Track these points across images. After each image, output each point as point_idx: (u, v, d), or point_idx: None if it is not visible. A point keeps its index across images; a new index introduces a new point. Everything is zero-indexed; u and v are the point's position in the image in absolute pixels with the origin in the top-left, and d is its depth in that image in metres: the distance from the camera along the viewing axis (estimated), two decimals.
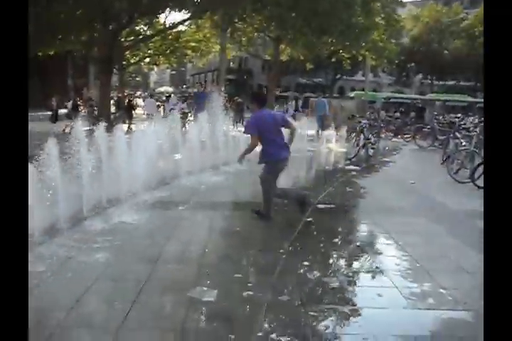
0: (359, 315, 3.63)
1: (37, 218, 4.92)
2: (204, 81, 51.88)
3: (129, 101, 24.49)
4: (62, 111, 25.04)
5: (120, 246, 4.97)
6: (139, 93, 56.90)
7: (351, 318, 3.58)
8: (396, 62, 39.84)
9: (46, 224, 5.19)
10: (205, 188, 8.15)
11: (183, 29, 31.83)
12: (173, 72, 71.05)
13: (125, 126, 18.00)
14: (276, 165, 6.04)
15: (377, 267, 4.66)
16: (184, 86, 66.37)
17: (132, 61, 34.13)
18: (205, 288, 3.93)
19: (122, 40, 27.99)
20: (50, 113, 25.43)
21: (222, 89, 24.71)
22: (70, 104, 21.69)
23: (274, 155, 5.99)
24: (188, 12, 23.41)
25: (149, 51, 33.62)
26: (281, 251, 4.96)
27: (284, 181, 6.67)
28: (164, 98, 33.25)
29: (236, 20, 27.92)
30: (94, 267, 4.33)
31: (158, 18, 29.91)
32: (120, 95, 28.09)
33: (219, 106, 11.97)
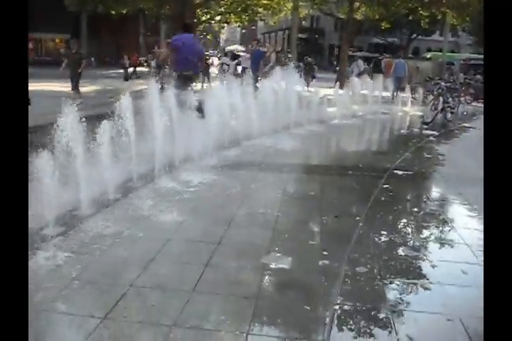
0: (443, 292, 3.37)
1: (110, 175, 4.94)
2: (275, 40, 50.92)
3: (206, 59, 24.40)
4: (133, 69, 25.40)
5: (192, 206, 4.90)
6: (212, 51, 56.83)
7: (434, 296, 3.33)
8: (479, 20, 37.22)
9: (119, 181, 5.21)
10: (277, 150, 7.94)
11: None
12: (244, 31, 70.13)
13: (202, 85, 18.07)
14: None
15: (461, 241, 4.34)
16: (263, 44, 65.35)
17: (203, 19, 33.79)
18: (278, 255, 3.79)
19: None
20: (122, 71, 25.82)
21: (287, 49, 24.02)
22: (154, 62, 21.59)
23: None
24: None
25: (220, 9, 33.09)
26: (358, 218, 4.73)
27: (358, 144, 6.36)
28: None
29: None
30: (167, 227, 4.29)
31: None
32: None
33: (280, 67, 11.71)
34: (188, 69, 8.44)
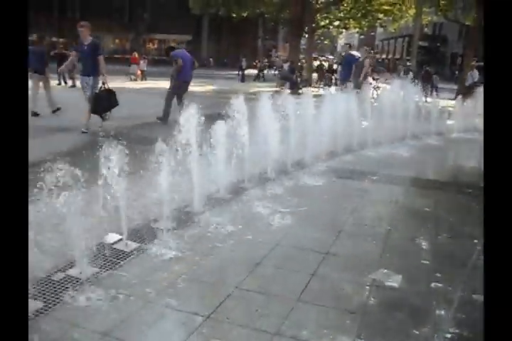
0: None
1: (222, 175, 5.03)
2: (394, 47, 49.65)
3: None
4: (251, 71, 25.92)
5: (302, 211, 4.85)
6: (330, 57, 56.75)
7: None
8: None
9: (232, 181, 5.30)
10: (392, 160, 7.68)
11: None
12: (362, 37, 69.11)
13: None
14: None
15: None
16: (372, 51, 64.24)
17: (322, 24, 33.72)
18: (388, 271, 3.63)
19: (313, 2, 27.75)
20: (239, 72, 26.50)
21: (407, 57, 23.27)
22: (287, 66, 21.97)
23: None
24: None
25: (340, 14, 32.84)
26: (476, 241, 4.41)
27: (480, 161, 5.95)
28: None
29: None
30: (276, 230, 4.29)
31: None
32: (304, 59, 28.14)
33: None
34: None
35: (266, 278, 3.42)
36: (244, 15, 29.98)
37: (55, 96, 10.87)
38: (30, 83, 9.36)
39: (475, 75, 19.79)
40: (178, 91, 9.86)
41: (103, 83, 8.27)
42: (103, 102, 8.20)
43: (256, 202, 4.99)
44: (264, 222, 4.48)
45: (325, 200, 5.33)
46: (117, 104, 8.45)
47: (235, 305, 3.06)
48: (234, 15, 29.43)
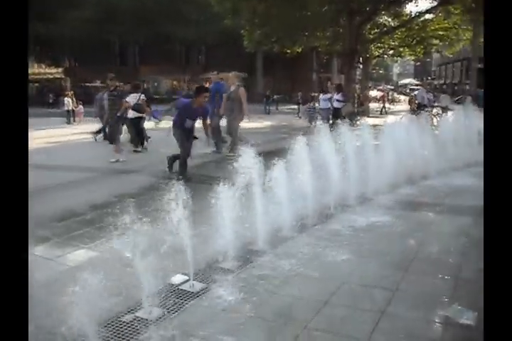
0: None
1: (285, 214, 5.05)
2: (452, 71, 48.79)
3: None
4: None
5: (367, 247, 4.77)
6: (389, 86, 56.49)
7: None
8: None
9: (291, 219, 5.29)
10: (456, 190, 7.44)
11: (430, 17, 30.17)
12: (418, 63, 68.51)
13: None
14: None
15: None
16: (429, 77, 63.52)
17: (376, 54, 33.72)
18: (462, 308, 3.47)
19: (366, 33, 27.87)
20: (296, 107, 26.75)
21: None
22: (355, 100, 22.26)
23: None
24: None
25: (393, 43, 32.75)
26: None
27: None
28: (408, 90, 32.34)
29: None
30: (341, 267, 4.22)
31: (402, 8, 28.95)
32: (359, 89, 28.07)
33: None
34: None
35: (334, 317, 3.35)
36: (298, 50, 30.44)
37: None
38: None
39: None
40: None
41: None
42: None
43: (319, 240, 4.95)
44: (329, 259, 4.43)
45: (390, 235, 5.21)
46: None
47: None
48: (288, 51, 29.94)
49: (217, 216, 4.12)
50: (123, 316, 3.33)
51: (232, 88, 10.25)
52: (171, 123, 8.23)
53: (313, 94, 21.35)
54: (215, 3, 25.27)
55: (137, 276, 3.34)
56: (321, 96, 17.41)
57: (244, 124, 11.26)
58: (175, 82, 48.53)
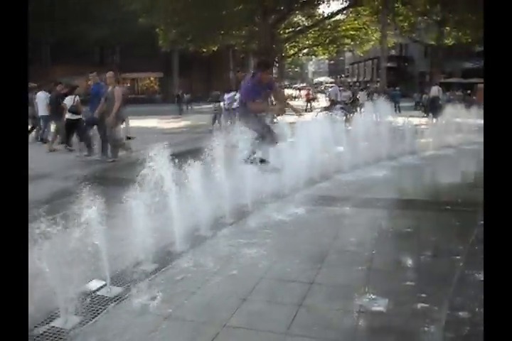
0: None
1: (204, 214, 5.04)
2: (363, 69, 50.75)
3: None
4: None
5: (283, 243, 4.87)
6: (303, 85, 57.66)
7: None
8: None
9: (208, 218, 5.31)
10: (369, 183, 7.76)
11: (341, 18, 31.30)
12: (332, 62, 70.63)
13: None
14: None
15: None
16: (343, 75, 65.76)
17: (291, 52, 34.45)
18: (373, 296, 3.63)
19: (281, 32, 28.41)
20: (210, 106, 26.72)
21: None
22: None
23: None
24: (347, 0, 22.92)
25: (307, 42, 33.63)
26: (458, 257, 4.45)
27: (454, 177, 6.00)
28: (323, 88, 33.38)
29: (397, 5, 26.71)
30: (258, 264, 4.29)
31: (315, 9, 29.83)
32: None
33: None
34: None
35: (252, 313, 3.40)
36: (214, 49, 30.47)
37: None
38: None
39: (434, 91, 20.06)
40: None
41: None
42: None
43: (236, 236, 4.99)
44: (245, 255, 4.48)
45: (304, 229, 5.34)
46: None
47: None
48: (204, 50, 29.87)
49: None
50: (37, 327, 3.19)
51: (110, 88, 9.98)
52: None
53: (217, 93, 19.13)
54: (131, 1, 24.79)
55: (51, 284, 3.22)
56: (225, 95, 16.46)
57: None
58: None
